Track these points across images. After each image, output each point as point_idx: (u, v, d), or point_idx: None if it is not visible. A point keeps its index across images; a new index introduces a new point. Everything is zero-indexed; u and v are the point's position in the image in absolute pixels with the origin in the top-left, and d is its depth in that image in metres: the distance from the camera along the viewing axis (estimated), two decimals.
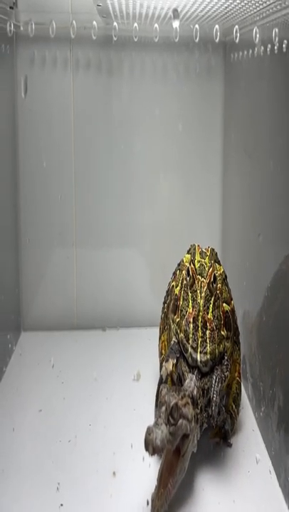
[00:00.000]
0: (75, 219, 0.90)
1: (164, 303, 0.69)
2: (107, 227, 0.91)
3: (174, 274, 0.68)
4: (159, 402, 0.52)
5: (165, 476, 0.51)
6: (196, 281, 0.59)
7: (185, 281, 0.60)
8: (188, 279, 0.60)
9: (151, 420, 0.60)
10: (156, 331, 0.71)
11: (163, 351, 0.68)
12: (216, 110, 0.89)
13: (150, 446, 0.47)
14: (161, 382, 0.59)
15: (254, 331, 0.69)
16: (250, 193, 0.75)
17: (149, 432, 0.48)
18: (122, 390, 0.73)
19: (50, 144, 0.87)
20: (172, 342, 0.60)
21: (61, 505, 0.53)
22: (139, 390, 0.72)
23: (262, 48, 0.65)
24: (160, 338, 0.70)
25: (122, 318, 0.92)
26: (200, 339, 0.57)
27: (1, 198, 0.78)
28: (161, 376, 0.59)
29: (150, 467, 0.57)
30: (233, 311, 0.63)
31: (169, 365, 0.58)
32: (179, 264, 0.68)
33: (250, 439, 0.63)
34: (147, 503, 0.52)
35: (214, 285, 0.59)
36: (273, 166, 0.63)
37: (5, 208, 0.82)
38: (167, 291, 0.69)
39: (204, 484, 0.56)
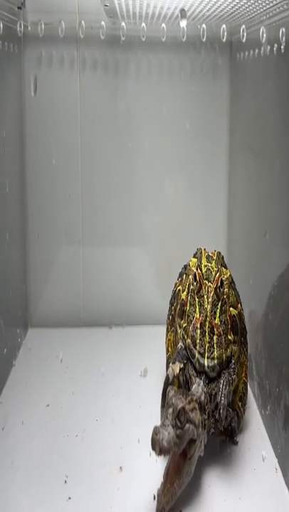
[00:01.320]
0: (81, 217, 0.91)
1: (171, 304, 0.70)
2: (113, 225, 0.91)
3: (180, 276, 0.68)
4: (166, 404, 0.53)
5: (172, 474, 0.51)
6: (202, 287, 0.59)
7: (192, 287, 0.60)
8: (195, 284, 0.60)
9: (158, 416, 0.61)
10: (162, 329, 0.72)
11: (170, 349, 0.69)
12: (222, 109, 0.89)
13: (157, 446, 0.48)
14: (167, 381, 0.59)
15: (260, 329, 0.70)
16: (257, 192, 0.75)
17: (156, 431, 0.49)
18: (129, 386, 0.73)
19: (57, 142, 0.88)
20: (179, 347, 0.60)
21: (69, 498, 0.53)
22: (146, 386, 0.73)
23: (268, 47, 0.65)
24: (167, 336, 0.70)
25: (128, 316, 0.92)
26: (207, 344, 0.57)
27: (9, 196, 0.79)
28: (167, 375, 0.60)
29: (157, 462, 0.57)
30: (240, 314, 0.63)
31: (176, 368, 0.58)
32: (185, 267, 0.68)
33: (256, 437, 0.63)
34: (154, 498, 0.52)
35: (221, 290, 0.59)
36: (280, 165, 0.63)
37: (13, 205, 0.83)
38: (173, 293, 0.69)
39: (211, 481, 0.56)
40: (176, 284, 0.69)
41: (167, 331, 0.70)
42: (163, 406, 0.58)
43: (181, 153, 0.90)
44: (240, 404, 0.63)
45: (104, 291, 0.92)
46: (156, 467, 0.57)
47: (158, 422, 0.59)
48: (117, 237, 0.92)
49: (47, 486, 0.55)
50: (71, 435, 0.63)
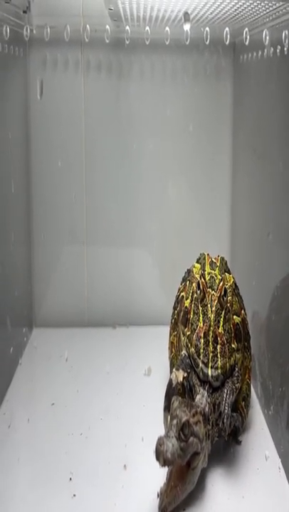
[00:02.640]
0: (85, 217, 0.91)
1: (174, 308, 0.70)
2: (117, 226, 0.92)
3: (184, 281, 0.68)
4: (170, 414, 0.53)
5: (174, 478, 0.52)
6: (206, 295, 0.59)
7: (195, 295, 0.60)
8: (198, 292, 0.60)
9: (161, 415, 0.61)
10: (165, 329, 0.72)
11: (173, 350, 0.69)
12: (226, 111, 0.89)
13: (161, 458, 0.49)
14: (170, 386, 0.59)
15: (263, 330, 0.70)
16: (260, 193, 0.75)
17: (160, 442, 0.49)
18: (133, 385, 0.74)
19: (61, 144, 0.89)
20: (183, 355, 0.60)
21: (74, 495, 0.54)
22: (150, 385, 0.73)
23: (271, 49, 0.65)
24: (169, 339, 0.71)
25: (131, 317, 0.93)
26: (211, 354, 0.57)
27: (15, 197, 0.80)
28: (170, 380, 0.59)
29: None
30: (243, 320, 0.63)
31: (180, 376, 0.58)
32: (188, 271, 0.68)
33: (260, 436, 0.64)
34: (157, 496, 0.53)
35: (225, 299, 0.60)
36: (283, 166, 0.63)
37: (18, 206, 0.84)
38: (177, 298, 0.69)
39: (214, 480, 0.56)
40: (179, 289, 0.69)
41: (170, 335, 0.70)
42: (165, 409, 0.59)
43: (184, 154, 0.91)
44: (243, 404, 0.63)
45: (108, 292, 0.93)
46: (159, 465, 0.57)
47: (161, 421, 0.60)
48: (121, 238, 0.92)
49: (52, 483, 0.56)
50: (76, 433, 0.64)
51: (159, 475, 0.54)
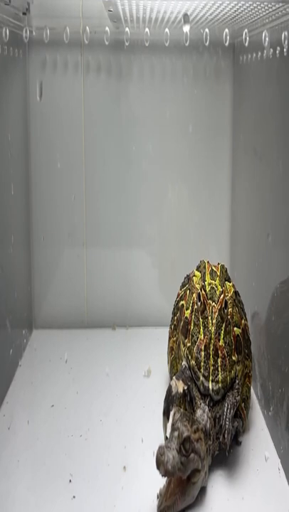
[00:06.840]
0: (85, 219, 0.91)
1: (174, 314, 0.70)
2: (116, 228, 0.92)
3: (184, 286, 0.68)
4: (171, 425, 0.53)
5: (175, 484, 0.52)
6: (207, 307, 0.59)
7: (196, 306, 0.60)
8: (199, 304, 0.60)
9: (161, 416, 0.61)
10: (165, 331, 0.73)
11: (173, 352, 0.69)
12: (226, 112, 0.89)
13: (162, 467, 0.48)
14: (170, 392, 0.59)
15: (263, 331, 0.70)
16: (260, 194, 0.75)
17: (161, 452, 0.49)
18: (132, 386, 0.74)
19: (61, 145, 0.89)
20: (183, 366, 0.60)
21: (74, 497, 0.54)
22: (150, 386, 0.73)
23: (271, 50, 0.66)
24: (169, 343, 0.71)
25: (131, 318, 0.93)
26: (211, 367, 0.57)
27: (14, 199, 0.81)
28: (170, 387, 0.59)
29: None
30: (244, 330, 0.63)
31: (180, 387, 0.58)
32: (188, 277, 0.68)
33: (259, 437, 0.64)
34: (157, 497, 0.53)
35: (225, 311, 0.59)
36: (283, 167, 0.63)
37: (18, 208, 0.84)
38: (176, 304, 0.69)
39: (213, 481, 0.56)
40: (179, 295, 0.69)
41: (169, 339, 0.71)
42: (164, 413, 0.59)
43: (184, 156, 0.91)
44: (243, 406, 0.63)
45: (107, 293, 0.93)
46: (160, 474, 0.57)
47: (161, 423, 0.60)
48: (121, 239, 0.92)
49: (52, 485, 0.56)
50: (75, 435, 0.64)
51: (158, 477, 0.54)
